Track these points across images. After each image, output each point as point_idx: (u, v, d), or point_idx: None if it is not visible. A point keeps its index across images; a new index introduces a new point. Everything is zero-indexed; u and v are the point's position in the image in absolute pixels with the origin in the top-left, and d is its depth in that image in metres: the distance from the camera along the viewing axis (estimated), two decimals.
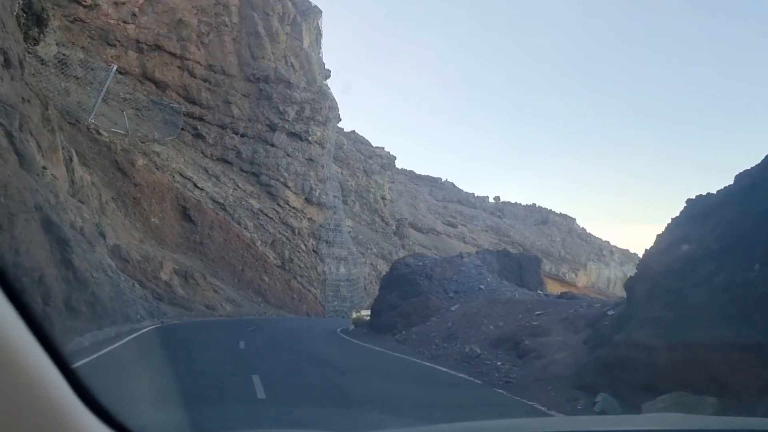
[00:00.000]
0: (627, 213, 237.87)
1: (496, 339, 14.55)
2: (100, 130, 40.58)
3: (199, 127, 48.87)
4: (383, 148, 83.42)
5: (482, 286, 22.17)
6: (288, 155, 48.30)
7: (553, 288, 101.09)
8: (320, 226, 48.74)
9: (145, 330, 24.34)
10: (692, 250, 7.77)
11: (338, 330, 27.41)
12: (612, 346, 9.21)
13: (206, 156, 48.44)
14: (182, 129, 49.07)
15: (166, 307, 34.06)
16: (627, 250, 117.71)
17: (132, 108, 47.75)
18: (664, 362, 7.61)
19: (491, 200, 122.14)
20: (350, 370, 13.34)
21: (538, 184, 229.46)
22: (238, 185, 47.24)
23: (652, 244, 10.01)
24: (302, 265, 47.05)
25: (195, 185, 45.18)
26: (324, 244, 48.40)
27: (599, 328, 11.35)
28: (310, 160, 49.04)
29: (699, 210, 8.57)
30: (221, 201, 45.51)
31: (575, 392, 9.39)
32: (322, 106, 49.80)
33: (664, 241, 9.38)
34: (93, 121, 40.61)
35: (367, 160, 77.58)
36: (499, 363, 12.88)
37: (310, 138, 49.04)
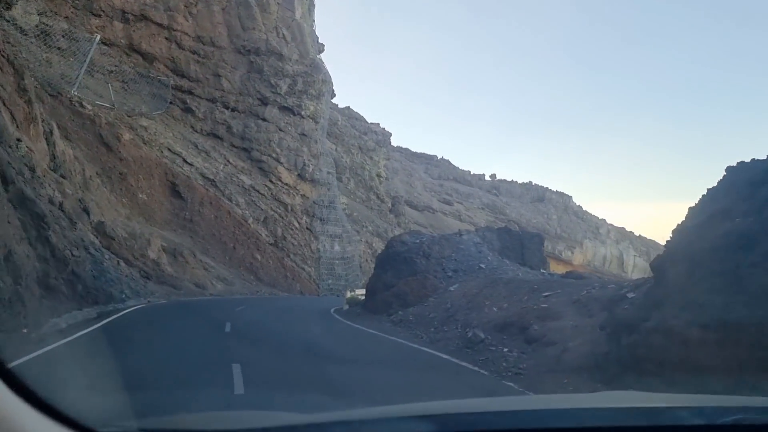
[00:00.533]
0: (623, 191, 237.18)
1: (501, 322, 13.34)
2: (84, 103, 38.92)
3: (188, 100, 47.20)
4: (378, 124, 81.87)
5: (482, 265, 20.95)
6: (280, 130, 46.72)
7: (550, 266, 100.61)
8: (314, 202, 47.34)
9: (128, 310, 23.13)
10: (745, 224, 6.53)
11: (332, 310, 26.24)
12: (641, 333, 7.97)
13: (196, 131, 46.85)
14: (171, 103, 47.40)
15: (154, 286, 32.81)
16: (623, 228, 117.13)
17: (118, 81, 45.99)
18: (710, 355, 6.41)
19: (487, 178, 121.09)
20: (343, 357, 12.13)
21: (535, 162, 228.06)
22: (228, 161, 45.72)
23: (684, 218, 8.74)
24: (295, 243, 45.77)
25: (184, 161, 43.65)
26: (318, 221, 47.06)
27: (619, 313, 10.12)
28: (303, 135, 47.46)
29: (746, 178, 7.32)
30: (211, 177, 44.04)
31: (597, 386, 8.19)
32: (316, 80, 48.09)
33: (700, 215, 8.12)
34: (76, 93, 38.92)
35: (362, 137, 76.02)
36: (505, 350, 11.67)
37: (302, 112, 47.40)
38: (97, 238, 31.60)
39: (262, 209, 45.08)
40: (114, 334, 15.97)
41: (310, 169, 46.81)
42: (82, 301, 22.97)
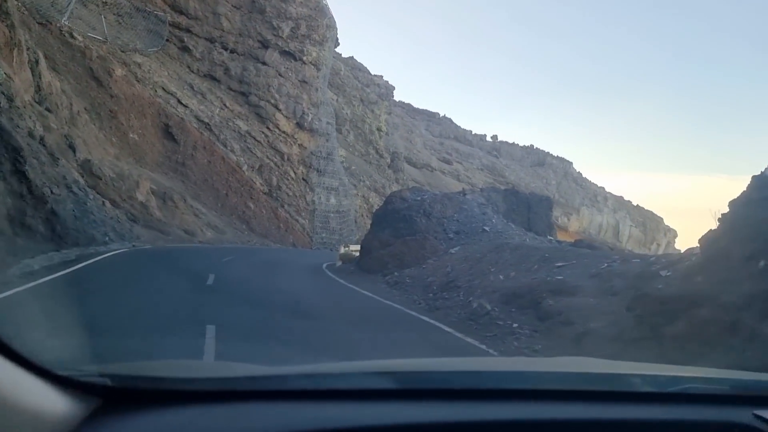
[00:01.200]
0: (623, 160, 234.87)
1: (509, 293, 11.99)
2: (74, 34, 36.74)
3: (185, 39, 44.93)
4: (382, 77, 79.36)
5: (486, 228, 19.54)
6: (280, 75, 44.62)
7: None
8: (311, 153, 45.61)
9: (109, 254, 21.76)
10: None
11: (324, 266, 24.93)
12: (691, 322, 6.61)
13: (192, 71, 44.73)
14: (167, 40, 45.13)
15: (141, 230, 31.42)
16: (621, 197, 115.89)
17: (113, 14, 43.58)
18: None
19: (489, 139, 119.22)
20: (332, 321, 10.80)
21: (537, 125, 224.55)
22: (225, 104, 43.78)
23: (745, 189, 7.29)
24: (290, 194, 44.25)
25: (179, 101, 41.72)
26: (314, 172, 45.43)
27: (651, 293, 8.75)
28: (304, 82, 45.37)
29: None
30: (206, 120, 42.19)
31: None
32: (320, 24, 45.74)
33: None
34: (66, 22, 36.70)
35: (365, 89, 73.68)
36: (515, 325, 10.35)
37: (304, 58, 45.20)
38: (82, 176, 30.04)
39: (257, 157, 43.41)
40: (86, 279, 14.66)
41: (309, 118, 44.93)
42: (60, 241, 21.61)
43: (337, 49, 61.81)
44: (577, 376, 1.93)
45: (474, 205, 21.32)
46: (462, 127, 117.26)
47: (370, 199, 56.13)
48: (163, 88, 41.39)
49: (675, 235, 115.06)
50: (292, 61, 45.21)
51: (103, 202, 29.00)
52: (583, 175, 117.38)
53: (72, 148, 30.77)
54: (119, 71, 38.42)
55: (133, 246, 26.87)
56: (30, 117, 25.18)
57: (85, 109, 34.72)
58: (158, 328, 9.16)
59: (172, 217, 34.89)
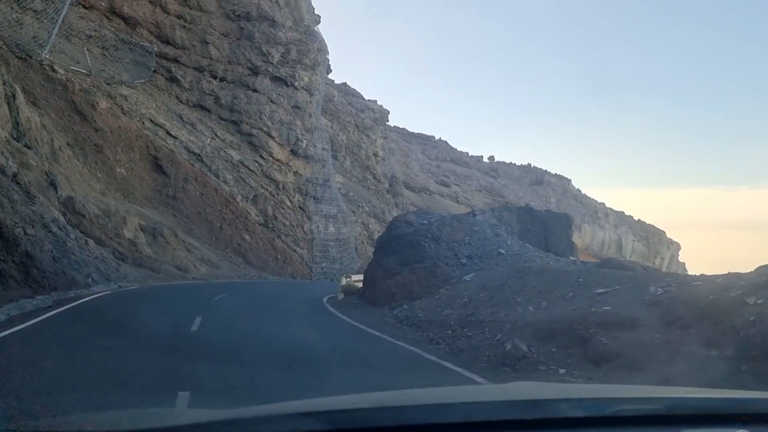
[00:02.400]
0: (621, 176, 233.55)
1: (545, 328, 9.96)
2: (56, 67, 35.07)
3: (173, 69, 43.36)
4: (376, 101, 78.17)
5: (502, 251, 17.53)
6: (272, 102, 42.95)
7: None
8: (307, 180, 43.73)
9: (89, 298, 19.72)
10: None
11: (325, 299, 22.83)
12: None
13: (181, 101, 43.06)
14: (154, 71, 43.57)
15: (129, 269, 29.36)
16: (622, 212, 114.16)
17: (98, 47, 42.07)
18: None
19: (485, 160, 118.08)
20: (334, 374, 8.74)
21: (534, 144, 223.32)
22: (216, 134, 42.03)
23: None
24: (287, 223, 42.26)
25: (168, 133, 39.96)
26: (311, 200, 43.50)
27: (743, 326, 6.75)
28: (297, 107, 43.69)
29: None
30: (197, 151, 40.38)
31: None
32: (310, 48, 44.22)
33: None
34: (47, 56, 35.05)
35: (359, 114, 72.28)
36: (561, 371, 8.32)
37: (296, 83, 43.58)
38: (64, 215, 28.10)
39: (251, 186, 41.51)
40: (51, 332, 12.61)
41: (304, 145, 43.14)
42: (37, 286, 19.57)
43: (330, 76, 60.48)
44: (505, 405, 1.81)
45: (486, 226, 19.34)
46: (458, 149, 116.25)
47: (370, 226, 54.18)
48: (150, 120, 39.66)
49: (678, 247, 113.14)
50: (284, 86, 43.59)
51: (86, 241, 26.98)
52: (583, 192, 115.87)
53: (53, 185, 28.85)
54: (104, 104, 36.70)
55: (119, 287, 24.81)
56: (2, 154, 23.32)
57: (68, 144, 32.89)
58: (119, 396, 7.12)
59: (163, 253, 32.84)
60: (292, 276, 40.83)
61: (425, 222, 19.05)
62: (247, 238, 40.05)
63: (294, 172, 43.21)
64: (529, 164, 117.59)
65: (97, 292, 22.05)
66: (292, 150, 43.02)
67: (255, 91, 42.79)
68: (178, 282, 30.28)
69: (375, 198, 60.12)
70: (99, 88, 37.73)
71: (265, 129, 42.24)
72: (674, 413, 1.73)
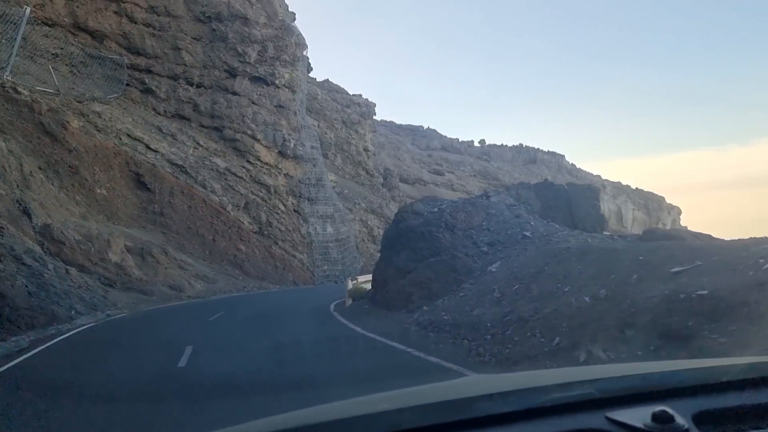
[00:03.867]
0: (613, 146, 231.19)
1: (618, 324, 7.72)
2: (19, 89, 32.56)
3: (146, 80, 40.88)
4: (361, 95, 75.74)
5: (527, 233, 15.26)
6: (253, 103, 40.50)
7: None
8: (299, 181, 41.33)
9: (69, 334, 17.44)
10: None
11: (331, 306, 20.53)
12: None
13: (159, 113, 40.59)
14: (127, 84, 41.08)
15: (118, 294, 27.01)
16: (619, 183, 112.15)
17: (66, 65, 39.55)
18: None
19: (476, 144, 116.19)
20: None
21: (524, 124, 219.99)
22: (198, 143, 39.58)
23: None
24: (283, 228, 39.88)
25: (148, 147, 37.50)
26: (306, 201, 41.11)
27: None
28: (280, 107, 41.24)
29: None
30: (180, 163, 37.95)
31: None
32: (288, 44, 41.75)
33: None
34: (9, 77, 32.53)
35: (345, 110, 69.86)
36: None
37: (277, 81, 41.11)
38: (41, 244, 25.69)
39: (241, 194, 39.10)
40: (19, 380, 10.45)
41: (292, 144, 40.70)
42: (11, 326, 17.26)
43: (311, 74, 58.05)
44: (422, 409, 1.62)
45: (503, 208, 17.05)
46: (448, 136, 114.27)
47: (369, 222, 51.86)
48: (128, 135, 37.20)
49: (679, 212, 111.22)
50: (264, 86, 41.13)
51: (67, 270, 24.62)
52: (577, 166, 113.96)
53: (27, 213, 26.44)
54: (75, 123, 34.22)
55: (107, 316, 22.48)
56: None
57: (40, 168, 30.43)
58: None
59: (154, 274, 30.46)
60: (294, 283, 38.50)
61: (435, 210, 16.74)
62: (243, 248, 37.68)
63: (284, 174, 40.80)
64: (521, 144, 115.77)
65: (81, 325, 19.74)
66: (280, 151, 40.60)
67: (235, 93, 40.35)
68: (173, 303, 27.93)
69: (371, 193, 57.77)
70: (69, 107, 35.24)
71: (249, 132, 39.82)
72: (607, 396, 1.62)
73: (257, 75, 40.85)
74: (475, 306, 12.57)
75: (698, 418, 1.52)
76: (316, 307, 21.03)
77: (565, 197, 17.35)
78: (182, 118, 40.37)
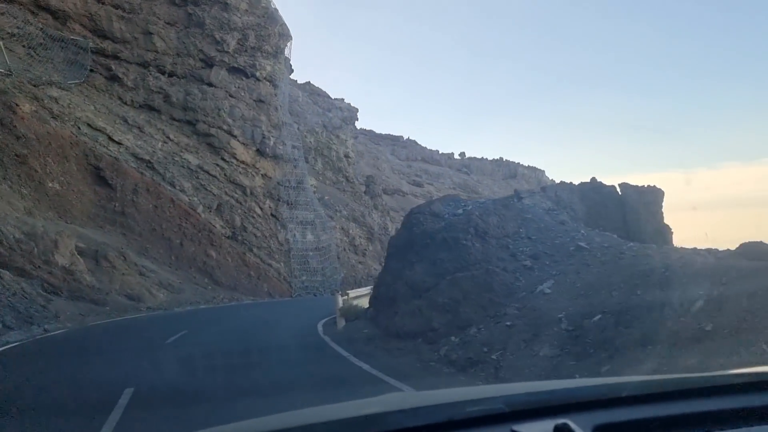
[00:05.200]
0: (595, 165, 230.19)
1: None
2: None
3: (113, 66, 36.59)
4: (343, 99, 72.24)
5: (582, 244, 11.67)
6: (231, 96, 36.48)
7: None
8: (278, 183, 37.30)
9: None
10: None
11: (319, 327, 16.64)
12: None
13: (125, 103, 36.28)
14: (91, 70, 36.74)
15: (63, 304, 22.71)
16: None
17: (23, 46, 35.03)
18: None
19: (457, 156, 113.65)
20: None
21: (504, 138, 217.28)
22: (168, 137, 35.38)
23: None
24: (259, 234, 35.79)
25: (110, 138, 33.21)
26: (284, 205, 37.10)
27: None
28: (260, 101, 37.29)
29: None
30: (147, 158, 33.71)
31: None
32: (271, 33, 37.87)
33: None
34: None
35: (326, 114, 66.26)
36: None
37: (257, 73, 37.17)
38: None
39: (214, 194, 34.96)
40: None
41: (271, 143, 36.72)
42: None
43: (292, 76, 54.23)
44: (324, 426, 1.64)
45: (540, 212, 13.47)
46: (428, 147, 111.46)
47: (351, 231, 48.00)
48: (88, 125, 32.87)
49: (670, 231, 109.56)
50: (244, 78, 37.17)
51: (0, 274, 20.34)
52: (557, 182, 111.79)
53: None
54: (27, 107, 29.84)
55: (44, 331, 18.30)
56: None
57: None
58: None
59: (109, 281, 26.16)
60: (269, 294, 34.40)
61: (460, 212, 13.06)
62: (214, 254, 33.48)
63: (262, 174, 36.75)
64: (501, 158, 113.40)
65: (10, 343, 15.58)
66: (258, 149, 36.57)
67: (210, 85, 36.30)
68: (129, 316, 23.69)
69: (352, 201, 53.93)
70: (21, 90, 30.83)
71: (225, 127, 35.75)
72: (513, 410, 1.67)
73: (236, 66, 36.86)
74: (533, 341, 8.88)
75: (598, 431, 1.57)
76: (301, 327, 17.10)
77: (616, 202, 13.91)
78: (151, 109, 36.16)
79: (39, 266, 23.41)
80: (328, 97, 71.03)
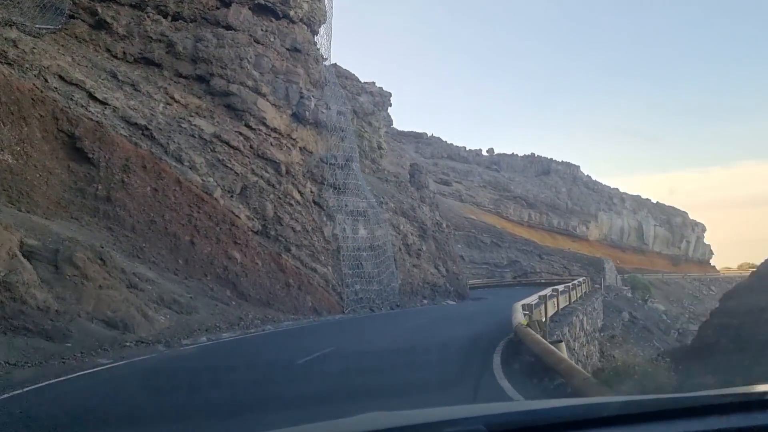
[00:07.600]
0: (632, 161, 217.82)
1: None
2: None
3: (99, 10, 26.27)
4: (374, 83, 62.07)
5: None
6: (257, 42, 26.00)
7: (565, 244, 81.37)
8: (321, 160, 26.80)
9: None
10: None
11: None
12: None
13: (115, 56, 25.90)
14: (71, 17, 26.53)
15: None
16: (638, 196, 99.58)
17: None
18: None
19: (485, 153, 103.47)
20: None
21: (534, 132, 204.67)
22: (173, 97, 24.89)
23: None
24: (299, 228, 25.18)
25: (91, 96, 22.79)
26: (330, 190, 26.57)
27: None
28: (295, 50, 26.82)
29: None
30: (143, 123, 23.22)
31: None
32: None
33: None
34: None
35: (356, 98, 56.09)
36: None
37: (291, 12, 26.72)
38: None
39: (236, 174, 24.38)
40: None
41: (312, 105, 26.20)
42: None
43: None
44: None
45: None
46: (454, 144, 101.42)
47: (402, 227, 37.38)
48: (60, 76, 22.48)
49: (703, 229, 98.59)
50: (273, 19, 26.69)
51: None
52: (593, 178, 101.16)
53: None
54: None
55: None
56: None
57: None
58: None
59: (76, 299, 15.58)
60: (315, 311, 23.79)
61: None
62: (237, 255, 22.88)
63: (300, 147, 26.19)
64: (533, 153, 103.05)
65: None
66: (294, 113, 26.01)
67: (229, 28, 25.82)
68: (100, 362, 13.08)
69: (398, 192, 43.35)
70: None
71: (250, 83, 25.18)
72: (492, 430, 1.67)
73: (262, 2, 26.38)
74: None
75: None
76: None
77: None
78: (150, 63, 25.78)
79: None
80: (358, 80, 60.87)
